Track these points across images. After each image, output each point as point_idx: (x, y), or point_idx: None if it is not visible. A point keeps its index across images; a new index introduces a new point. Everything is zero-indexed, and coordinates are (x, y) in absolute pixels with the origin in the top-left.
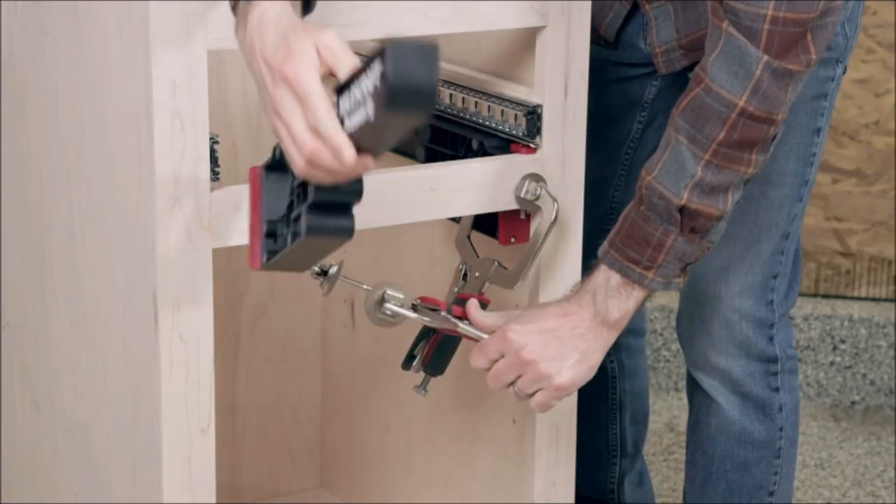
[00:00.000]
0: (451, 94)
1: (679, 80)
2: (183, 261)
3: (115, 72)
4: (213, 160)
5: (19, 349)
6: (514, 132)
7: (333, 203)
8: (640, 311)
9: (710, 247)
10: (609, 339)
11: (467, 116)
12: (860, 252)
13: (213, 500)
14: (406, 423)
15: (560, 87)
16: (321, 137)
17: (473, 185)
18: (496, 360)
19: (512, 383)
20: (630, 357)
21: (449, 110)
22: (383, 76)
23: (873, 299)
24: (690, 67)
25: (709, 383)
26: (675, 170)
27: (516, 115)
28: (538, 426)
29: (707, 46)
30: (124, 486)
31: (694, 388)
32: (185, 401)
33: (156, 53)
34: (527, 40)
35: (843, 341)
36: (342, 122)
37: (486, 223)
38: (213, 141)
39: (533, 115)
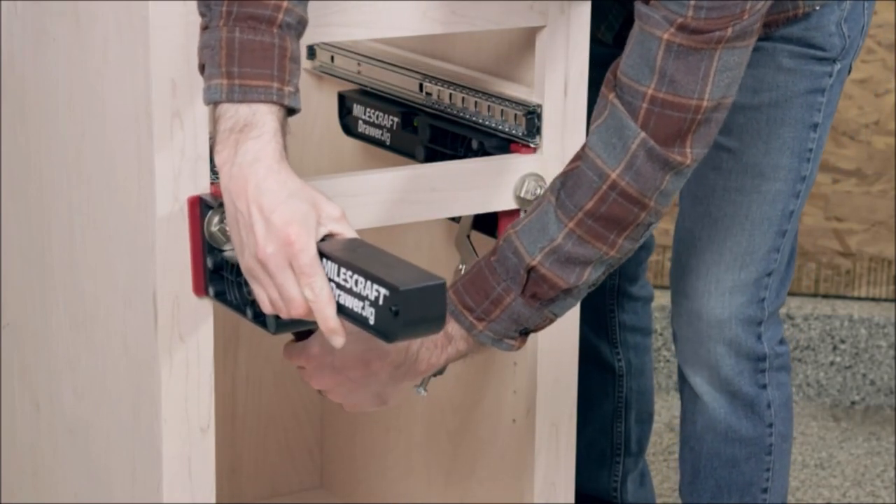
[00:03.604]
0: (450, 94)
1: None
2: (183, 261)
3: (115, 72)
4: (213, 160)
5: (19, 349)
6: (513, 132)
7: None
8: (647, 310)
9: (552, 318)
10: (408, 384)
11: (467, 116)
12: (860, 252)
13: (213, 500)
14: (406, 423)
15: (560, 87)
16: (313, 311)
17: (473, 185)
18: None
19: None
20: (637, 356)
21: (449, 110)
22: (395, 314)
23: (873, 299)
24: None
25: (696, 380)
26: (537, 229)
27: (516, 115)
28: (538, 426)
29: (593, 114)
30: (124, 486)
31: (683, 383)
32: (185, 401)
33: (156, 53)
34: (527, 40)
35: (843, 341)
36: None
37: (486, 223)
38: (213, 141)
39: (533, 115)
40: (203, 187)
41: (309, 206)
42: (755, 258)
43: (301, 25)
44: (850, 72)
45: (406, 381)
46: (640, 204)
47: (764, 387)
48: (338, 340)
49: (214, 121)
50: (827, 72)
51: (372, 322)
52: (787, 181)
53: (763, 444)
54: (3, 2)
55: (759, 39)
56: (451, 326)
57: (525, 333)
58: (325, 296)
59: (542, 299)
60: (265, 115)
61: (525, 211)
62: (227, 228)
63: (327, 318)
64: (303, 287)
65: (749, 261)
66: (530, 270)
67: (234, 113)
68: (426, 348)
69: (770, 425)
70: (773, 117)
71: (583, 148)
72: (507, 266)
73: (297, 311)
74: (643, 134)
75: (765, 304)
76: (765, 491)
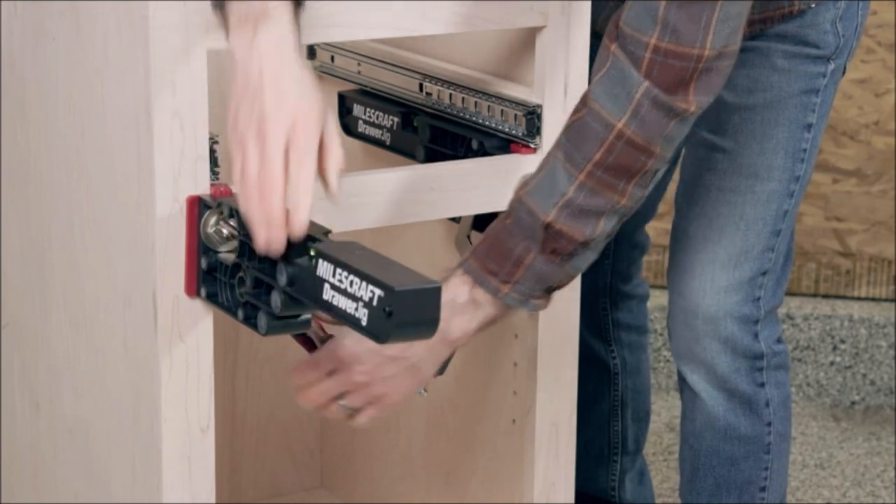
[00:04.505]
0: (451, 94)
1: None
2: (182, 261)
3: (115, 72)
4: (213, 160)
5: (19, 349)
6: (513, 132)
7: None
8: (642, 308)
9: (574, 274)
10: (444, 353)
11: (467, 116)
12: (860, 252)
13: (213, 500)
14: (406, 423)
15: (560, 87)
16: (288, 195)
17: (473, 185)
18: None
19: (336, 397)
20: (632, 353)
21: (449, 110)
22: (388, 314)
23: (873, 299)
24: None
25: (693, 378)
26: (547, 187)
27: (516, 115)
28: (538, 426)
29: (595, 66)
30: (124, 486)
31: (682, 382)
32: (185, 401)
33: (156, 53)
34: (527, 40)
35: (843, 341)
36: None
37: (486, 223)
38: (213, 141)
39: (533, 115)
40: (203, 187)
41: (323, 105)
42: (749, 257)
43: None
44: (844, 72)
45: (441, 351)
46: (646, 151)
47: (762, 385)
48: (299, 222)
49: (224, 19)
50: (821, 72)
51: (364, 323)
52: (782, 181)
53: (762, 443)
54: (3, 2)
55: (754, 39)
56: (478, 293)
57: (549, 291)
58: (306, 181)
59: (561, 254)
60: (279, 8)
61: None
62: (229, 115)
63: (299, 207)
64: (291, 163)
65: (743, 259)
66: (546, 227)
67: (246, 6)
68: (457, 315)
69: (769, 424)
70: (768, 118)
71: (584, 100)
72: (522, 227)
73: (267, 192)
74: (647, 83)
75: (761, 302)
76: (763, 490)
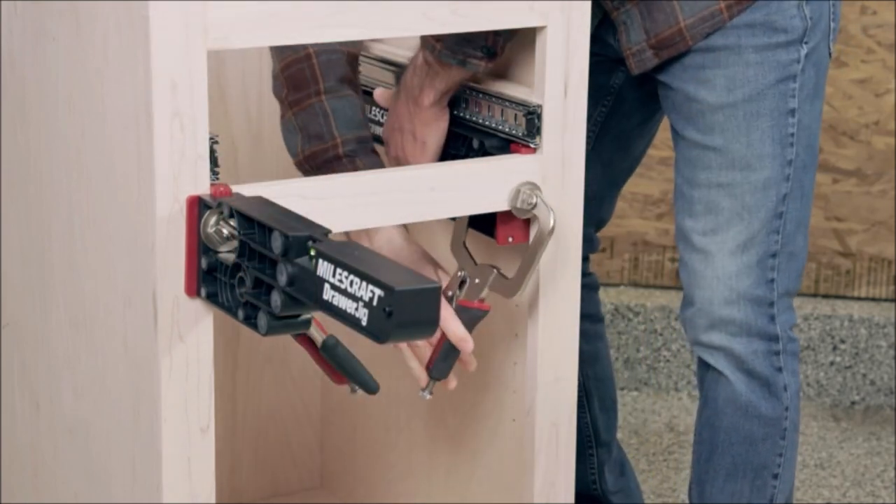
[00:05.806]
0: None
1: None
2: (182, 261)
3: (115, 72)
4: (213, 160)
5: (19, 349)
6: (514, 132)
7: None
8: (593, 297)
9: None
10: (422, 116)
11: (467, 116)
12: (860, 252)
13: (213, 500)
14: (406, 423)
15: (560, 87)
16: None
17: (473, 185)
18: None
19: None
20: (589, 342)
21: (449, 110)
22: (388, 314)
23: (873, 299)
24: (661, 66)
25: (713, 360)
26: None
27: (516, 115)
28: (538, 426)
29: None
30: (124, 486)
31: (704, 370)
32: (185, 401)
33: (156, 53)
34: (527, 40)
35: (843, 341)
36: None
37: (485, 222)
38: (213, 141)
39: (533, 115)
40: (203, 187)
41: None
42: (755, 241)
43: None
44: (830, 55)
45: (419, 114)
46: None
47: (779, 370)
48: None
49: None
50: (794, 58)
51: (364, 323)
52: (774, 168)
53: (779, 427)
54: (3, 2)
55: (726, 35)
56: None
57: (489, 52)
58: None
59: None
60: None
61: (515, 209)
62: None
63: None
64: None
65: (750, 245)
66: None
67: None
68: (417, 77)
69: (787, 409)
70: (750, 111)
71: None
72: None
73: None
74: None
75: (774, 284)
76: (776, 477)
